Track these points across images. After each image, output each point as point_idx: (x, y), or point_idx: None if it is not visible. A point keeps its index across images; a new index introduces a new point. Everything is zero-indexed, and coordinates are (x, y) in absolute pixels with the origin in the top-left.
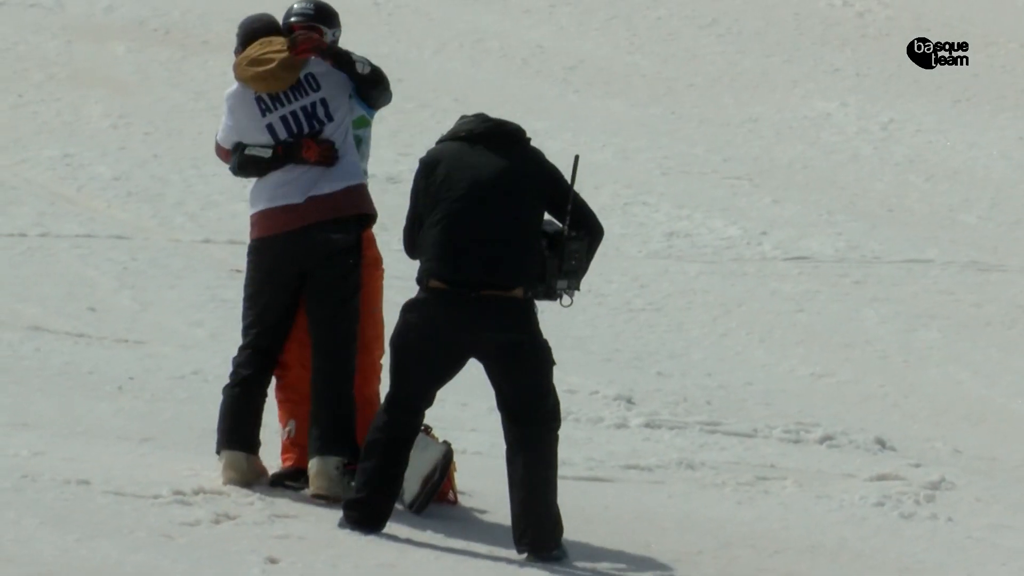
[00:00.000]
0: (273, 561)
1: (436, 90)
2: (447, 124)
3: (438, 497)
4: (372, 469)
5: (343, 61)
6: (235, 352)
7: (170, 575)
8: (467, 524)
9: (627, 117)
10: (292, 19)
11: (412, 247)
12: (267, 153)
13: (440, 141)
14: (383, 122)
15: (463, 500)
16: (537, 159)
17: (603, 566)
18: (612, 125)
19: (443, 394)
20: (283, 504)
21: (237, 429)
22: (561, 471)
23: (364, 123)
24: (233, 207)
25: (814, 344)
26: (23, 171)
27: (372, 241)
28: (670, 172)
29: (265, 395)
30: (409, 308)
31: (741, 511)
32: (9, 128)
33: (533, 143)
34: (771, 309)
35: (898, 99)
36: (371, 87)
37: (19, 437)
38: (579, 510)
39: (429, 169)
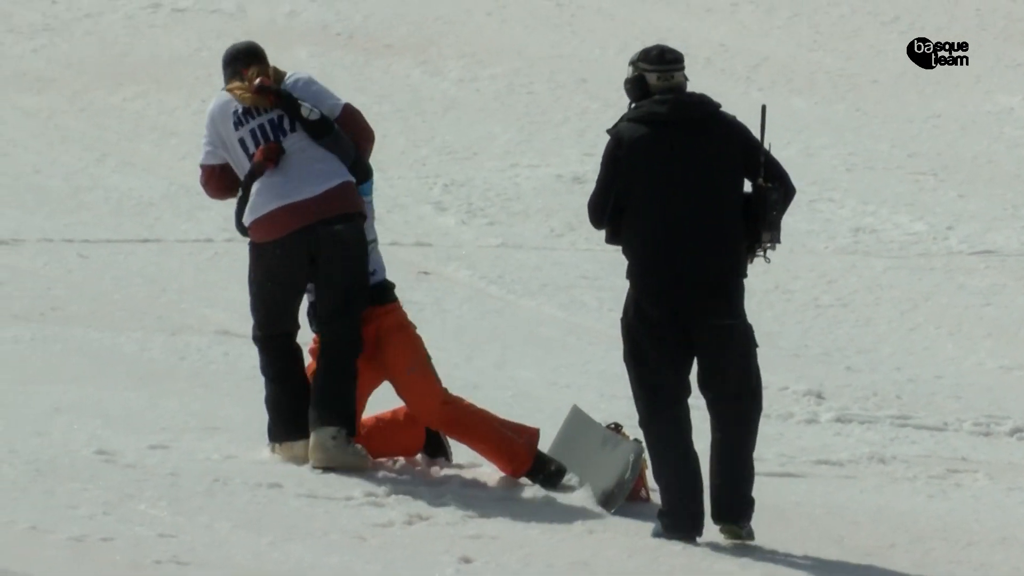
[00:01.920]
0: (467, 561)
1: (619, 90)
2: None
3: (630, 495)
4: (671, 475)
5: (287, 104)
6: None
7: None
8: None
9: (811, 115)
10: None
11: (601, 220)
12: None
13: (629, 119)
14: (568, 123)
15: (655, 497)
16: (730, 127)
17: (796, 561)
18: (796, 123)
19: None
20: (476, 504)
21: (303, 413)
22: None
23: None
24: (419, 210)
25: (1002, 337)
26: None
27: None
28: (855, 168)
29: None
30: (628, 310)
31: (933, 504)
32: (194, 134)
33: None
34: (959, 303)
35: None
36: (319, 134)
37: (210, 441)
38: (771, 506)
39: (624, 148)
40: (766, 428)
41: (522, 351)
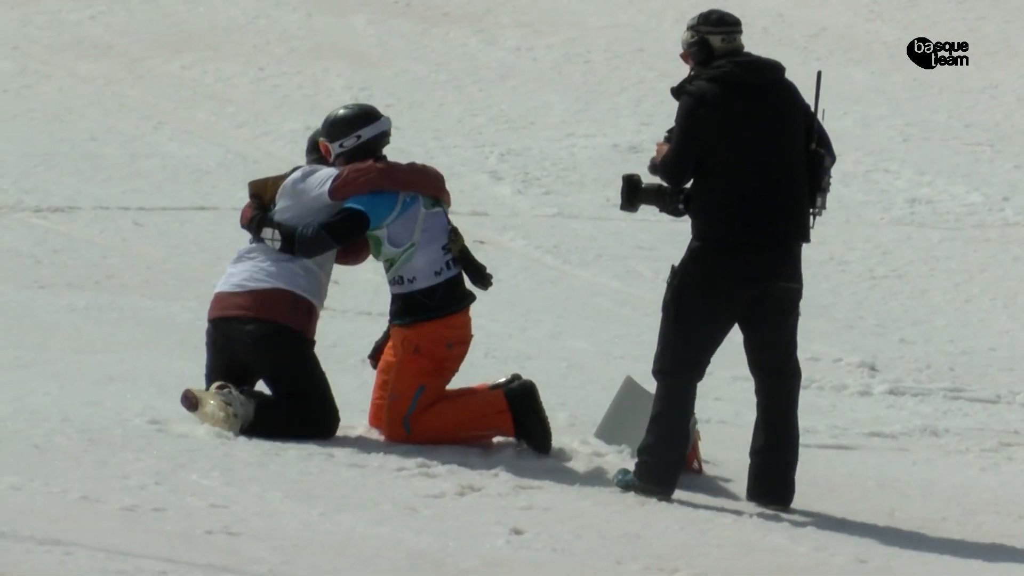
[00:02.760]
0: (518, 532)
1: (676, 60)
2: None
3: (684, 466)
4: (666, 434)
5: (254, 231)
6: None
7: (415, 547)
8: (712, 493)
9: (868, 85)
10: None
11: (682, 178)
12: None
13: (708, 79)
14: (624, 93)
15: (708, 469)
16: (795, 94)
17: (847, 534)
18: (854, 93)
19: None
20: (527, 475)
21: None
22: (805, 439)
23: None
24: (475, 178)
25: None
26: (265, 144)
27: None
28: (911, 139)
29: None
30: (690, 262)
31: (985, 477)
32: (250, 102)
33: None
34: (1014, 275)
35: None
36: (293, 253)
37: None
38: (823, 478)
39: (705, 108)
40: (819, 400)
41: (577, 321)
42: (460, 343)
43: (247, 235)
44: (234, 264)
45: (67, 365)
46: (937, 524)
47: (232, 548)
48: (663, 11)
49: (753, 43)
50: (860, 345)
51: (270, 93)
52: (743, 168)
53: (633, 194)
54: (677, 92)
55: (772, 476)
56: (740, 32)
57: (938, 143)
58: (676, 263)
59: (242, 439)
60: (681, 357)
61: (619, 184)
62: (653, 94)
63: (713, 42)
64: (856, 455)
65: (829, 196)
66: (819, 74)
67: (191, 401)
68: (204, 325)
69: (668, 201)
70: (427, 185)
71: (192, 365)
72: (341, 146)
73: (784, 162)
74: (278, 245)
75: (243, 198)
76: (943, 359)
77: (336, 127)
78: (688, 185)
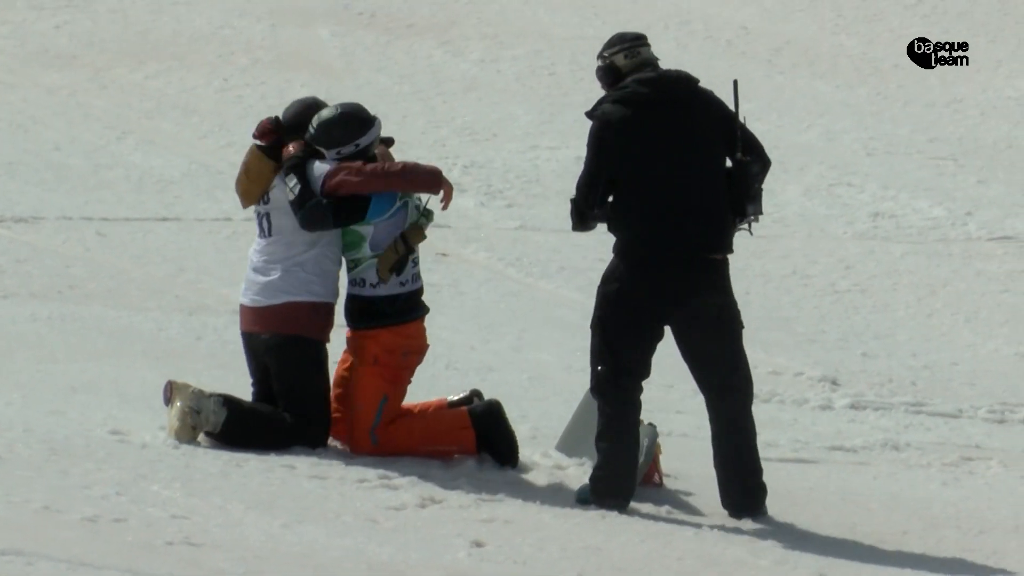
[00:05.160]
0: (479, 544)
1: None
2: None
3: (644, 480)
4: (614, 449)
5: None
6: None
7: (376, 559)
8: (673, 506)
9: (832, 98)
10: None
11: (592, 202)
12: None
13: (613, 101)
14: (589, 104)
15: (668, 483)
16: (709, 102)
17: (809, 547)
18: (817, 106)
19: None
20: (489, 487)
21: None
22: (766, 452)
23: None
24: None
25: (1019, 324)
26: (228, 155)
27: (375, 338)
28: (875, 153)
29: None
30: (609, 280)
31: (946, 491)
32: (214, 112)
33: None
34: (976, 289)
35: None
36: (295, 214)
37: None
38: (785, 492)
39: (611, 130)
40: (781, 414)
41: (539, 334)
42: (416, 352)
43: (212, 244)
44: (252, 271)
45: (30, 375)
46: (899, 538)
47: (193, 559)
48: (628, 23)
49: (717, 56)
50: (822, 359)
51: (234, 103)
52: (654, 185)
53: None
54: (589, 115)
55: (733, 488)
56: (645, 44)
57: (902, 157)
58: (599, 282)
59: (202, 450)
60: (613, 371)
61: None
62: None
63: (617, 62)
64: (818, 469)
65: (769, 202)
66: (735, 82)
67: (168, 395)
68: (167, 335)
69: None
70: (428, 184)
71: (155, 375)
72: (338, 153)
73: (697, 175)
74: (291, 197)
75: (206, 208)
76: (905, 373)
77: (333, 134)
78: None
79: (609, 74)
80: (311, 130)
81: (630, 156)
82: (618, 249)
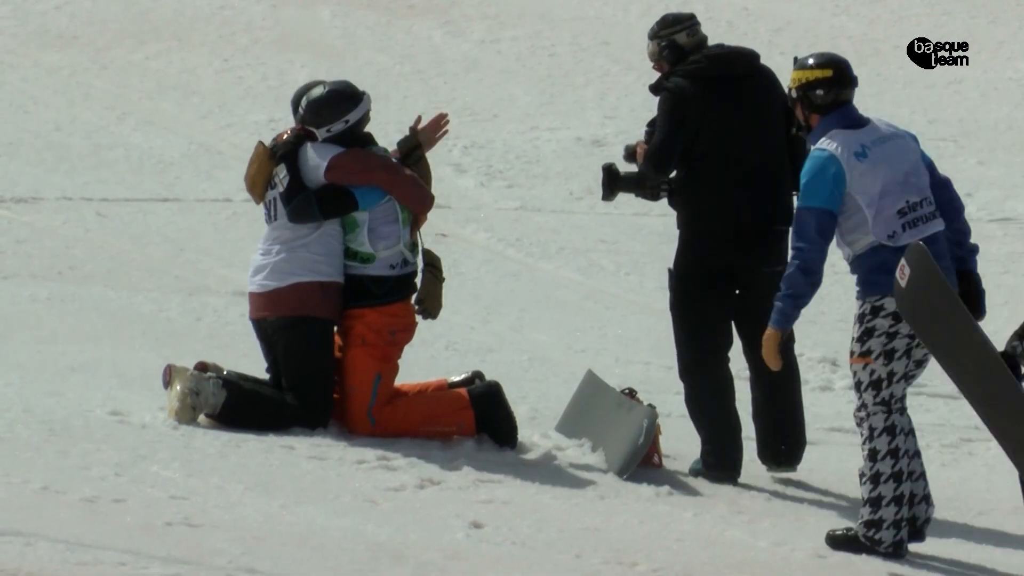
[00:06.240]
0: (477, 526)
1: (642, 53)
2: None
3: (643, 461)
4: (715, 423)
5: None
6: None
7: (375, 540)
8: (672, 487)
9: None
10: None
11: (666, 169)
12: None
13: (684, 75)
14: (589, 86)
15: (668, 463)
16: (772, 79)
17: (807, 528)
18: None
19: (648, 357)
20: (488, 468)
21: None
22: None
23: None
24: (438, 171)
25: (1020, 305)
26: (228, 136)
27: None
28: None
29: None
30: (680, 262)
31: (946, 472)
32: (215, 93)
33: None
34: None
35: None
36: (284, 207)
37: None
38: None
39: (685, 103)
40: None
41: (539, 314)
42: (403, 331)
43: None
44: (259, 255)
45: (29, 356)
46: None
47: (193, 539)
48: (629, 4)
49: (717, 37)
50: (822, 340)
51: (235, 84)
52: (725, 157)
53: (613, 183)
54: (656, 89)
55: (781, 439)
56: (699, 24)
57: None
58: (671, 266)
59: (201, 430)
60: (699, 352)
61: (583, 177)
62: (618, 87)
63: (680, 40)
64: (817, 450)
65: None
66: (795, 60)
67: (167, 378)
68: (167, 316)
69: (647, 188)
70: (416, 200)
71: (154, 356)
72: (328, 131)
73: (765, 148)
74: (280, 189)
75: (206, 189)
76: None
77: (322, 113)
78: (672, 177)
79: (673, 52)
80: (300, 111)
81: (703, 129)
82: (687, 221)
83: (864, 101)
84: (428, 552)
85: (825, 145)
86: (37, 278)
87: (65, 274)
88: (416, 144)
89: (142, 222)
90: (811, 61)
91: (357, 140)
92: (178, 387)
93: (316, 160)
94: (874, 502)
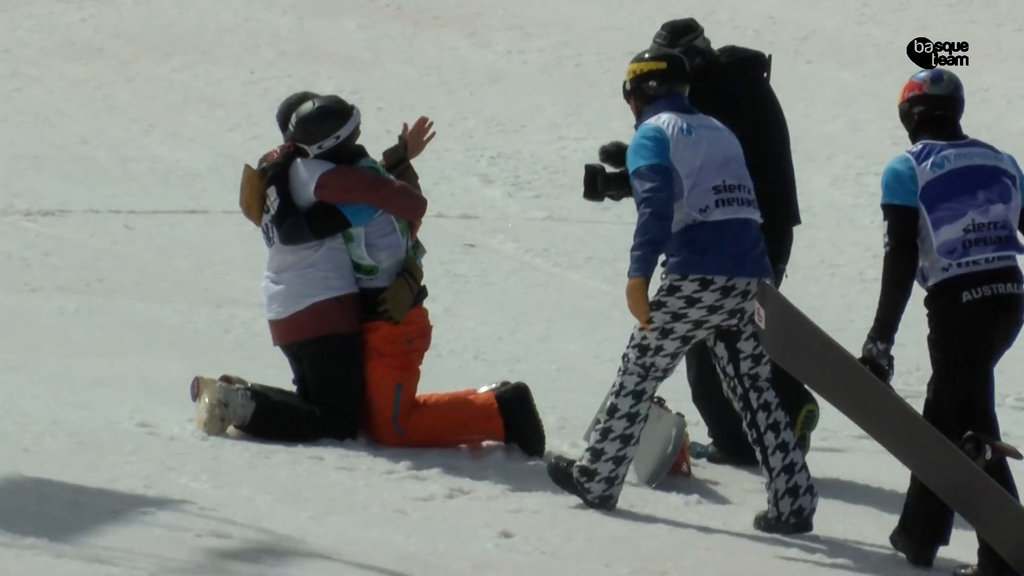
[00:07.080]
0: (507, 535)
1: None
2: None
3: (672, 470)
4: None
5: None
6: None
7: (404, 550)
8: (701, 496)
9: (858, 88)
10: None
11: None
12: None
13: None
14: (616, 96)
15: (696, 472)
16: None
17: (836, 538)
18: (844, 96)
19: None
20: (517, 478)
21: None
22: None
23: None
24: (465, 181)
25: None
26: (255, 148)
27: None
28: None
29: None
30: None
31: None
32: (241, 105)
33: None
34: None
35: None
36: (276, 229)
37: None
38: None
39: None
40: None
41: (566, 324)
42: (420, 336)
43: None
44: (270, 282)
45: (57, 368)
46: None
47: (221, 551)
48: (654, 14)
49: (743, 45)
50: (849, 348)
51: (261, 96)
52: (767, 155)
53: (594, 182)
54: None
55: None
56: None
57: None
58: None
59: (230, 442)
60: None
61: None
62: None
63: (702, 45)
64: (846, 458)
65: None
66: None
67: (196, 390)
68: (194, 328)
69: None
70: (409, 210)
71: (182, 368)
72: (320, 147)
73: (786, 146)
74: (271, 211)
75: (232, 201)
76: None
77: (312, 131)
78: None
79: (704, 58)
80: (291, 127)
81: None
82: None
83: (891, 108)
84: (457, 562)
85: (653, 121)
86: (64, 291)
87: (92, 286)
88: (404, 155)
89: (169, 234)
90: (646, 55)
91: (349, 154)
92: (207, 399)
93: (306, 177)
94: (595, 453)
